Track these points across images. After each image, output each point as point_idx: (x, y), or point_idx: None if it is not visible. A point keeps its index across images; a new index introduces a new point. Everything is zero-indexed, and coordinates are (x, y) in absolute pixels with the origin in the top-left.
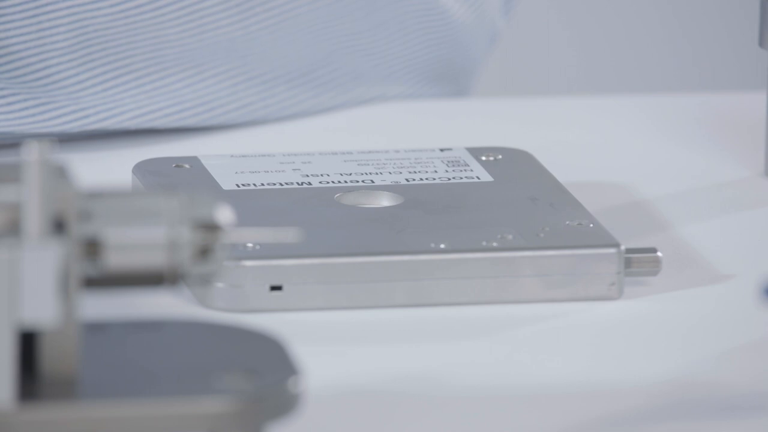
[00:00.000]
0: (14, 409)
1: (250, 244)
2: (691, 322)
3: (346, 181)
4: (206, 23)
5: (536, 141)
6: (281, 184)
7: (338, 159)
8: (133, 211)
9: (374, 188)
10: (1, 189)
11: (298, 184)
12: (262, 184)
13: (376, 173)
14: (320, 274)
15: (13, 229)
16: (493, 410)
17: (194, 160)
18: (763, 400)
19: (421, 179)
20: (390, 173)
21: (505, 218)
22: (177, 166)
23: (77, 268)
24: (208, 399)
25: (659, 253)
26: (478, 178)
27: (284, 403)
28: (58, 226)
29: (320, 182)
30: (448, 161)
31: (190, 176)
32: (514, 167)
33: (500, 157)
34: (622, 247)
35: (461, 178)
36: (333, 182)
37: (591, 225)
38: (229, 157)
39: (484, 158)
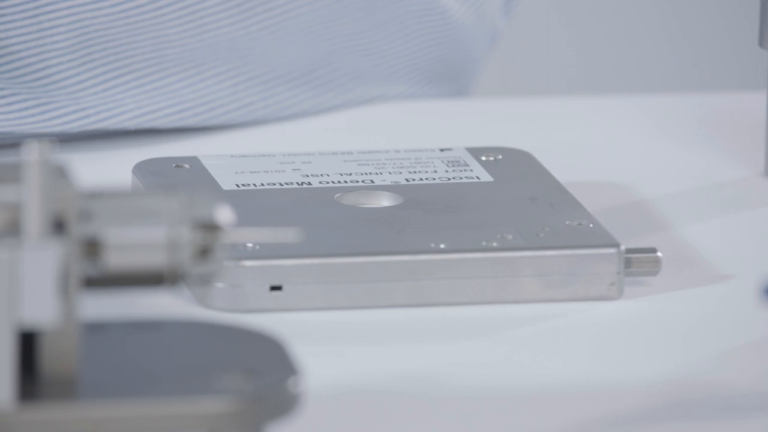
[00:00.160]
0: (14, 409)
1: (250, 244)
2: (691, 322)
3: (346, 181)
4: (207, 23)
5: (536, 141)
6: (281, 184)
7: (338, 159)
8: (133, 211)
9: (374, 188)
10: (1, 189)
11: (298, 184)
12: (262, 184)
13: (376, 173)
14: (320, 274)
15: (13, 229)
16: (492, 410)
17: (194, 160)
18: (763, 400)
19: (421, 179)
20: (390, 173)
21: (505, 218)
22: (177, 166)
23: (77, 268)
24: (208, 399)
25: (659, 253)
26: (478, 178)
27: (284, 403)
28: (58, 226)
29: (320, 182)
30: (448, 161)
31: (190, 176)
32: (514, 167)
33: (500, 157)
34: (622, 247)
35: (461, 178)
36: (333, 182)
37: (591, 225)
38: (229, 157)
39: (484, 158)
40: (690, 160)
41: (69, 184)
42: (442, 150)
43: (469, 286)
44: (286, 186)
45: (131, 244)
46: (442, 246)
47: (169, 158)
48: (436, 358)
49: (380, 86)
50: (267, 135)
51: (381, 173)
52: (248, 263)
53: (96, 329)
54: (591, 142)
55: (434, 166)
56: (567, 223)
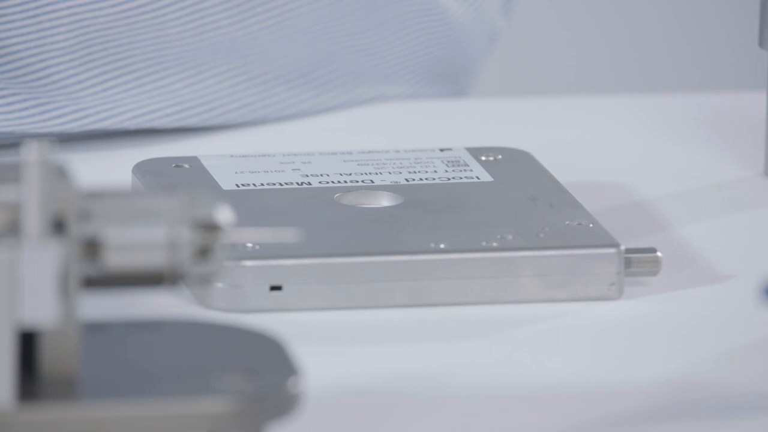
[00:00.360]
0: (14, 409)
1: (249, 244)
2: (691, 322)
3: (345, 181)
4: (207, 23)
5: (536, 141)
6: (281, 184)
7: (338, 159)
8: (133, 211)
9: (374, 188)
10: (1, 189)
11: (297, 184)
12: (262, 184)
13: (376, 173)
14: (320, 274)
15: (13, 229)
16: (492, 410)
17: (194, 160)
18: (763, 400)
19: (421, 179)
20: (390, 173)
21: (505, 218)
22: (177, 166)
23: (77, 268)
24: (208, 399)
25: (659, 253)
26: (477, 178)
27: (284, 403)
28: (58, 226)
29: (320, 182)
30: (448, 161)
31: (190, 176)
32: (513, 167)
33: (500, 157)
34: (622, 247)
35: (461, 178)
36: (333, 182)
37: (591, 225)
38: (228, 157)
39: (483, 158)
40: (690, 160)
41: (69, 184)
42: (441, 150)
43: (468, 286)
44: (286, 186)
45: (131, 244)
46: (441, 246)
47: (169, 158)
48: (436, 358)
49: (380, 86)
50: (267, 135)
51: (381, 173)
52: (248, 263)
53: (96, 329)
54: (591, 142)
55: (434, 166)
56: (567, 223)
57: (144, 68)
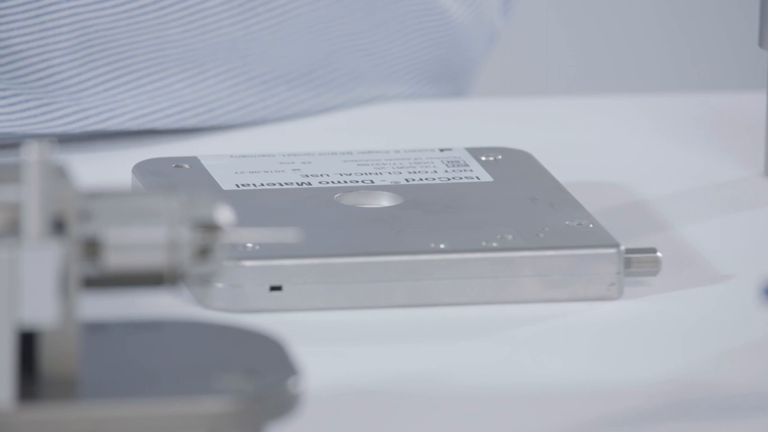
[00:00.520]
0: (14, 409)
1: (249, 244)
2: (691, 322)
3: (345, 182)
4: (208, 23)
5: (536, 141)
6: (281, 185)
7: (338, 159)
8: (133, 211)
9: (374, 188)
10: (1, 189)
11: (297, 184)
12: (262, 185)
13: (376, 173)
14: (320, 274)
15: (13, 229)
16: (492, 410)
17: (194, 161)
18: (763, 400)
19: (421, 179)
20: (390, 173)
21: (505, 218)
22: (177, 166)
23: (77, 268)
24: (208, 399)
25: (659, 254)
26: (477, 178)
27: (284, 403)
28: (58, 226)
29: (320, 182)
30: (448, 161)
31: (190, 176)
32: (513, 167)
33: (500, 157)
34: (622, 248)
35: (461, 178)
36: (333, 182)
37: (591, 225)
38: (228, 157)
39: (483, 158)
40: (690, 160)
41: (69, 184)
42: (441, 150)
43: (468, 286)
44: (285, 186)
45: (131, 244)
46: (441, 246)
47: (169, 158)
48: (436, 358)
49: (380, 86)
50: (267, 135)
51: (381, 173)
52: (248, 263)
53: (96, 329)
54: (591, 142)
55: (434, 167)
56: (567, 223)
57: (145, 68)
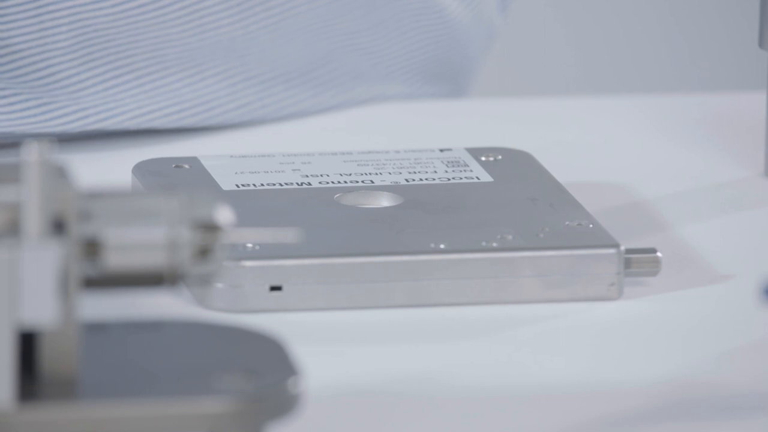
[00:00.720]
0: (14, 409)
1: (249, 245)
2: (690, 322)
3: (345, 182)
4: (207, 23)
5: (535, 141)
6: (281, 185)
7: (338, 159)
8: (133, 211)
9: (374, 188)
10: (1, 189)
11: (297, 184)
12: (262, 185)
13: (376, 173)
14: (320, 274)
15: (13, 229)
16: (492, 411)
17: (194, 161)
18: (763, 400)
19: (421, 179)
20: (390, 173)
21: (505, 218)
22: (177, 166)
23: (77, 268)
24: (208, 399)
25: (659, 254)
26: (477, 178)
27: (284, 403)
28: (58, 226)
29: (320, 182)
30: (448, 161)
31: (190, 176)
32: (513, 168)
33: (500, 157)
34: (622, 248)
35: (461, 178)
36: (333, 182)
37: (590, 225)
38: (228, 157)
39: (483, 158)
40: (689, 160)
41: (69, 184)
42: (441, 150)
43: (468, 287)
44: (285, 186)
45: (131, 244)
46: (441, 246)
47: (168, 158)
48: (436, 358)
49: (379, 85)
50: (267, 135)
51: (381, 173)
52: (248, 263)
53: (96, 329)
54: (590, 142)
55: (434, 167)
56: (567, 223)
57: (144, 68)
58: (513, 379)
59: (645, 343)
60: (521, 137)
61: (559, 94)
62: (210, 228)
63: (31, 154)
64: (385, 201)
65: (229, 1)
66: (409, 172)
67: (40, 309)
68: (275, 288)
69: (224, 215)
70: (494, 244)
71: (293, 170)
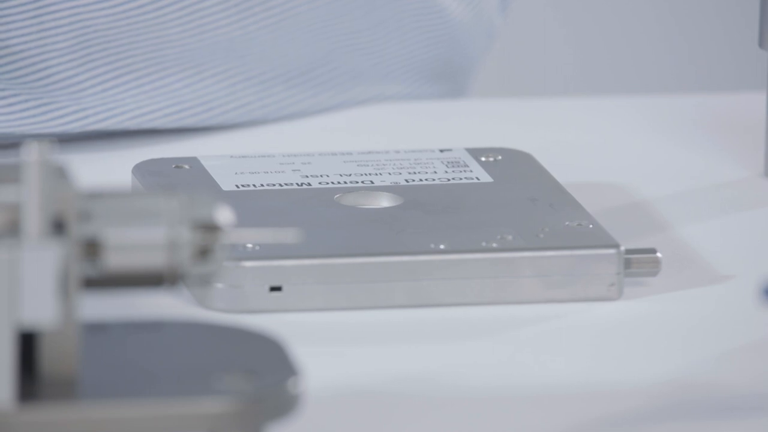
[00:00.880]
0: (14, 409)
1: (249, 245)
2: (690, 322)
3: (345, 182)
4: (206, 23)
5: (535, 142)
6: (281, 185)
7: (338, 160)
8: (132, 212)
9: (374, 189)
10: (1, 189)
11: (297, 184)
12: (262, 185)
13: (376, 174)
14: (320, 274)
15: (13, 229)
16: (493, 411)
17: (194, 161)
18: (763, 401)
19: (421, 180)
20: (390, 174)
21: (505, 219)
22: (177, 166)
23: (77, 268)
24: (208, 399)
25: (659, 254)
26: (477, 178)
27: (284, 403)
28: (58, 227)
29: (320, 183)
30: (448, 162)
31: (190, 177)
32: (513, 168)
33: (500, 157)
34: (622, 248)
35: (461, 178)
36: (332, 183)
37: (590, 225)
38: (228, 157)
39: (483, 159)
40: (689, 160)
41: (69, 184)
42: (441, 151)
43: (468, 287)
44: (285, 187)
45: (131, 244)
46: (441, 246)
47: (168, 159)
48: (436, 358)
49: (378, 85)
50: (266, 135)
51: (381, 174)
52: (248, 264)
53: (96, 329)
54: (591, 142)
55: (434, 167)
56: (567, 223)
57: (144, 68)
58: (513, 379)
59: (645, 343)
60: (521, 137)
61: (559, 95)
62: (210, 228)
63: (31, 155)
64: (385, 201)
65: (229, 1)
66: (409, 173)
67: (40, 309)
68: (275, 288)
69: (224, 215)
70: (494, 245)
71: (293, 170)
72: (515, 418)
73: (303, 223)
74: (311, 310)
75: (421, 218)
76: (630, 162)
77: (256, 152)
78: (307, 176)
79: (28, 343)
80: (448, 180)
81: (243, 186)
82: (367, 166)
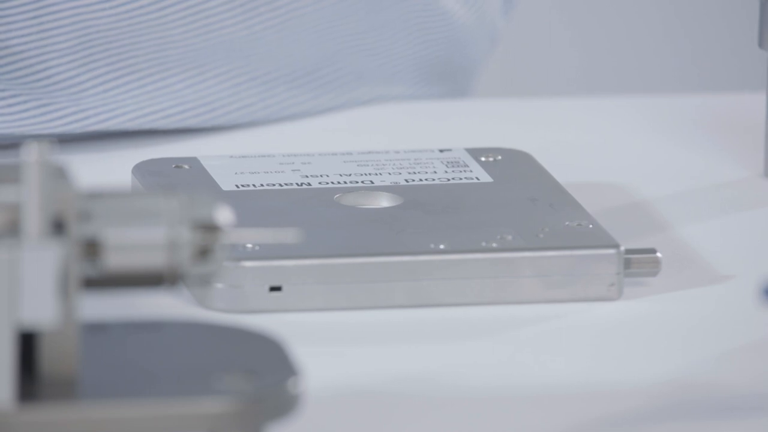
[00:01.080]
0: (14, 410)
1: (249, 245)
2: (690, 322)
3: (345, 182)
4: (211, 23)
5: (535, 142)
6: (281, 185)
7: (338, 160)
8: (132, 212)
9: (374, 189)
10: (1, 189)
11: (297, 184)
12: (262, 185)
13: (376, 174)
14: (320, 274)
15: (13, 230)
16: (493, 411)
17: (194, 161)
18: (763, 401)
19: (421, 180)
20: (389, 174)
21: (505, 219)
22: (177, 166)
23: (77, 268)
24: (208, 399)
25: (659, 254)
26: (477, 178)
27: (284, 403)
28: (58, 227)
29: (320, 183)
30: (448, 162)
31: (190, 177)
32: (513, 168)
33: (500, 157)
34: (622, 248)
35: (461, 178)
36: (332, 183)
37: (590, 225)
38: (228, 157)
39: (483, 159)
40: (689, 160)
41: (69, 184)
42: (441, 151)
43: (468, 287)
44: (285, 187)
45: (131, 244)
46: (441, 246)
47: (168, 159)
48: (436, 358)
49: (381, 86)
50: (267, 135)
51: (380, 174)
52: (248, 264)
53: (96, 329)
54: (590, 142)
55: (434, 167)
56: (566, 223)
57: (146, 69)
58: (513, 379)
59: (645, 344)
60: (521, 137)
61: (559, 95)
62: (210, 228)
63: (31, 155)
64: (384, 201)
65: (234, 1)
66: (409, 173)
67: (40, 309)
68: (275, 288)
69: (224, 215)
70: (494, 245)
71: (293, 170)
72: (515, 418)
73: (303, 223)
74: (311, 310)
75: (421, 218)
76: (630, 162)
77: (257, 152)
78: (307, 176)
79: (28, 343)
80: (448, 180)
81: (243, 186)
82: (367, 166)
